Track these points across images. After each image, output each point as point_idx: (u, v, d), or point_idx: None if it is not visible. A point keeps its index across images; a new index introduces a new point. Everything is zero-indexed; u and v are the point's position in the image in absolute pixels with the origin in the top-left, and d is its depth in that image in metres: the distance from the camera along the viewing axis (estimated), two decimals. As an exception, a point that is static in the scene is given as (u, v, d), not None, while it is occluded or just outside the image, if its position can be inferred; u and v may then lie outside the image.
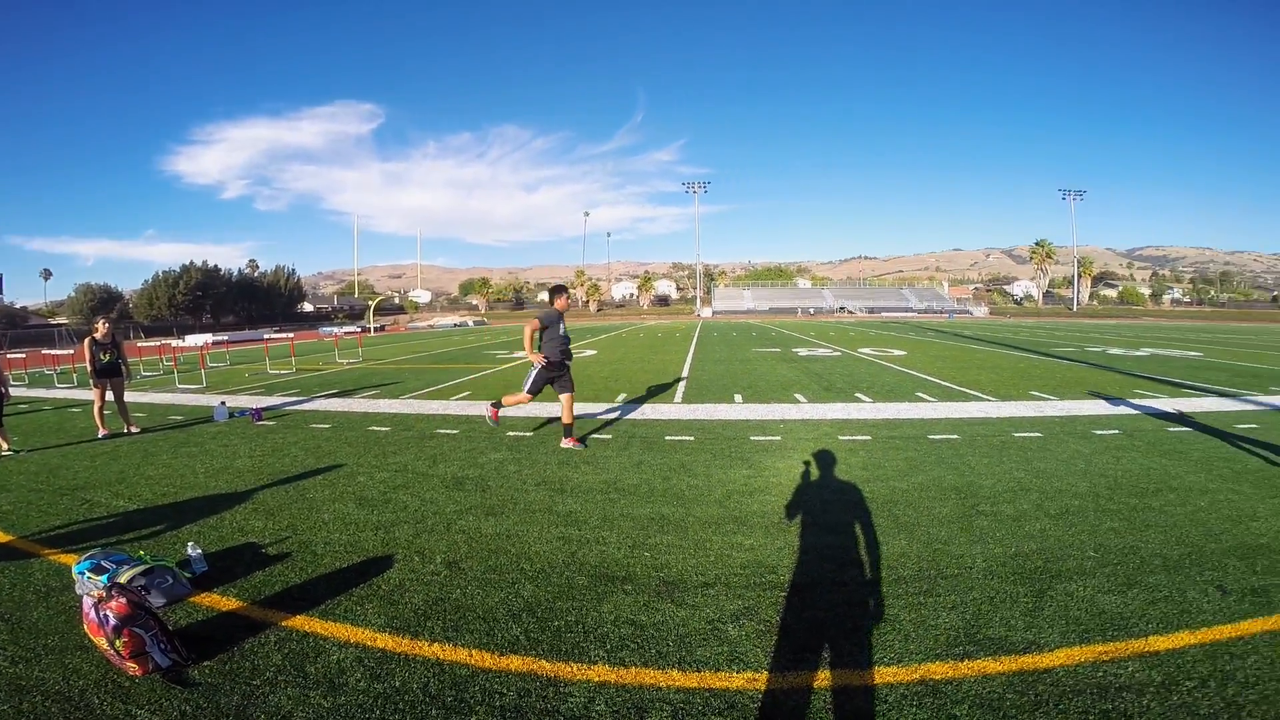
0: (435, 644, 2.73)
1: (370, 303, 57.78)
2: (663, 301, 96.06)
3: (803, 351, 17.96)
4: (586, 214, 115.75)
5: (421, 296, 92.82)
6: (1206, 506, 4.29)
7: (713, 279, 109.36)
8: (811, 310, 74.28)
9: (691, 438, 6.61)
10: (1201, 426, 6.99)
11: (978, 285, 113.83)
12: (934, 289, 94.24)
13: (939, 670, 2.48)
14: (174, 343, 18.12)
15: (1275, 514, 4.11)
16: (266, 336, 17.06)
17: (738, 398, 9.27)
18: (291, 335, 19.04)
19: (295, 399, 10.16)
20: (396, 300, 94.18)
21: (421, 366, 15.64)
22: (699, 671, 2.52)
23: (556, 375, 6.47)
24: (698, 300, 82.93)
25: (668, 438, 6.63)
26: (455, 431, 7.19)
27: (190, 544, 3.67)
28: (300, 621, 2.94)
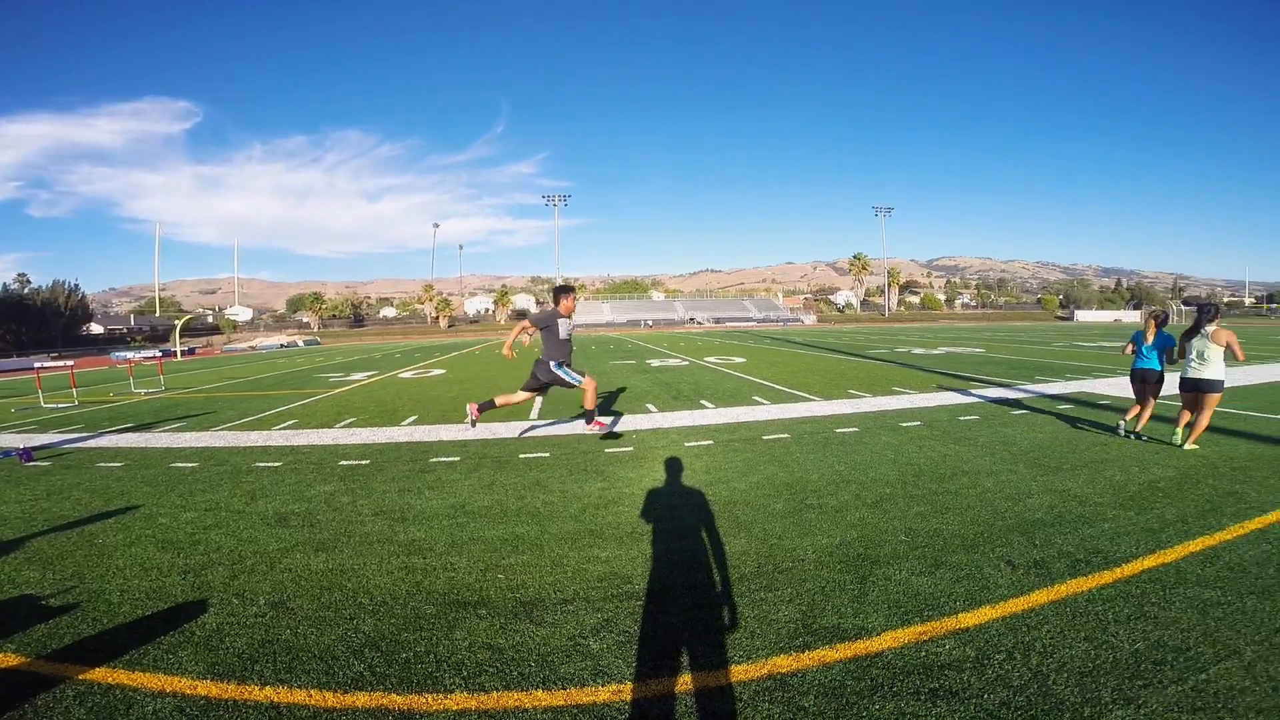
0: (267, 687, 2.51)
1: (176, 322, 50.56)
2: (521, 316, 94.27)
3: (655, 362, 18.53)
4: (436, 225, 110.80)
5: (241, 314, 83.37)
6: (992, 487, 4.96)
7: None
8: (650, 322, 76.52)
9: (547, 454, 6.52)
10: (985, 414, 8.19)
11: (807, 295, 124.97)
12: (770, 300, 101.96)
13: (784, 663, 2.60)
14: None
15: (1045, 490, 4.84)
16: (39, 365, 14.20)
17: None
18: (72, 362, 16.07)
19: (77, 435, 8.61)
20: (210, 319, 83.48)
21: (239, 394, 13.97)
22: (564, 689, 2.48)
23: (543, 373, 6.41)
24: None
25: (521, 456, 6.48)
26: (278, 464, 6.49)
27: None
28: (101, 674, 2.61)
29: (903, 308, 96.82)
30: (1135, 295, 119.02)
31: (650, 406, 9.54)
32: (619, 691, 2.46)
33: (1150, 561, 3.49)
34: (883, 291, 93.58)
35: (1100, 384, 11.22)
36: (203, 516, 4.78)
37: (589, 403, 6.18)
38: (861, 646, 2.71)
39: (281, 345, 53.16)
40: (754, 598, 3.19)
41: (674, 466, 5.84)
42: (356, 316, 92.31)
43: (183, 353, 43.14)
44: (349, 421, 9.09)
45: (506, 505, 4.85)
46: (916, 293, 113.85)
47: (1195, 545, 3.69)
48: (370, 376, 16.98)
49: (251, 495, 5.35)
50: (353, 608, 3.21)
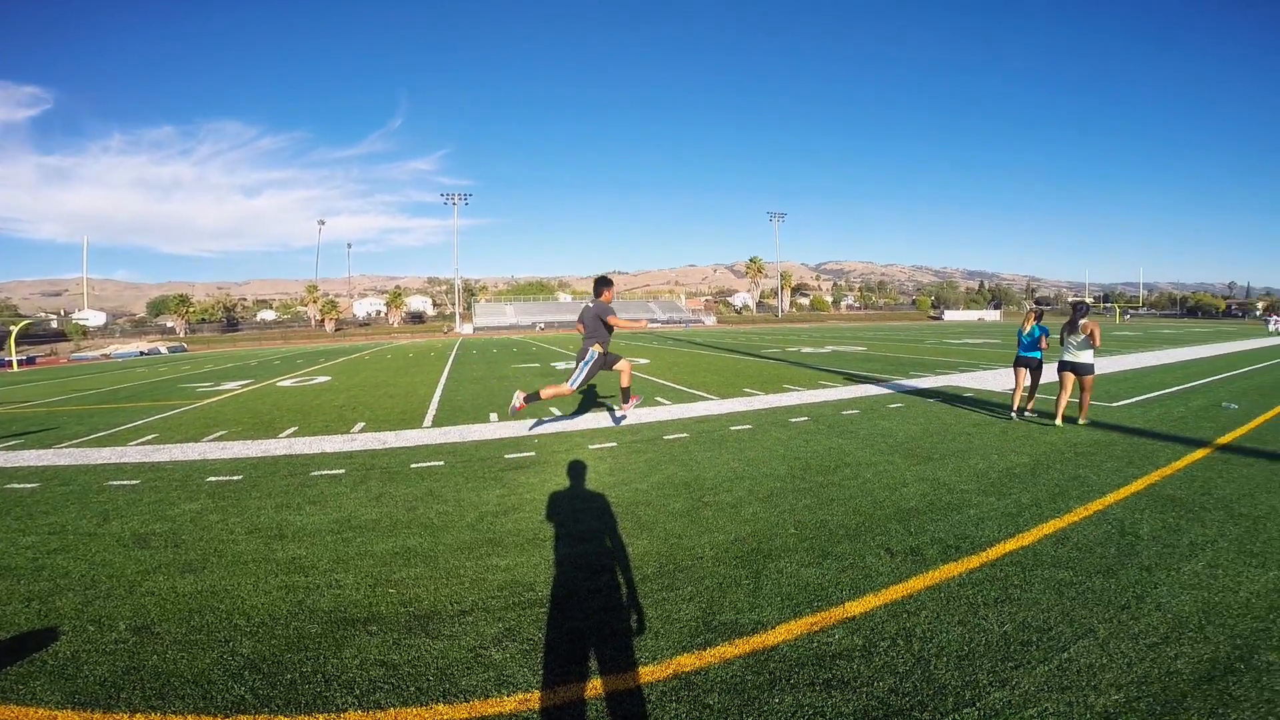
0: (137, 715, 2.38)
1: (12, 328, 44.18)
2: (417, 319, 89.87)
3: (560, 365, 18.37)
4: (322, 222, 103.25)
5: (92, 318, 74.54)
6: (872, 478, 5.31)
7: (473, 294, 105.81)
8: (542, 325, 74.45)
9: (441, 463, 6.28)
10: (865, 408, 8.76)
11: (708, 297, 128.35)
12: (674, 301, 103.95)
13: (688, 662, 2.65)
14: None
15: (919, 480, 5.23)
16: None
17: (493, 416, 9.10)
18: None
19: None
20: (54, 324, 73.71)
21: (88, 407, 12.44)
22: (467, 701, 2.43)
23: (610, 358, 6.75)
24: (457, 317, 79.56)
25: (413, 465, 6.21)
26: (135, 482, 5.85)
27: None
28: (-57, 706, 2.35)
29: (794, 309, 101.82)
30: (996, 296, 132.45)
31: (554, 410, 9.44)
32: (525, 700, 2.43)
33: (1011, 544, 3.82)
34: (776, 294, 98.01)
35: (965, 378, 12.33)
36: (46, 540, 4.30)
37: (547, 394, 6.61)
38: (758, 641, 2.80)
39: (141, 353, 47.86)
40: (656, 598, 3.23)
41: (577, 470, 5.82)
42: (230, 320, 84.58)
43: (20, 362, 37.84)
44: (219, 435, 8.34)
45: (397, 517, 4.64)
46: (806, 295, 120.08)
47: (1048, 528, 4.09)
48: (244, 385, 15.65)
49: (104, 516, 4.82)
50: (227, 630, 3.02)
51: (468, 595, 3.32)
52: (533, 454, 6.54)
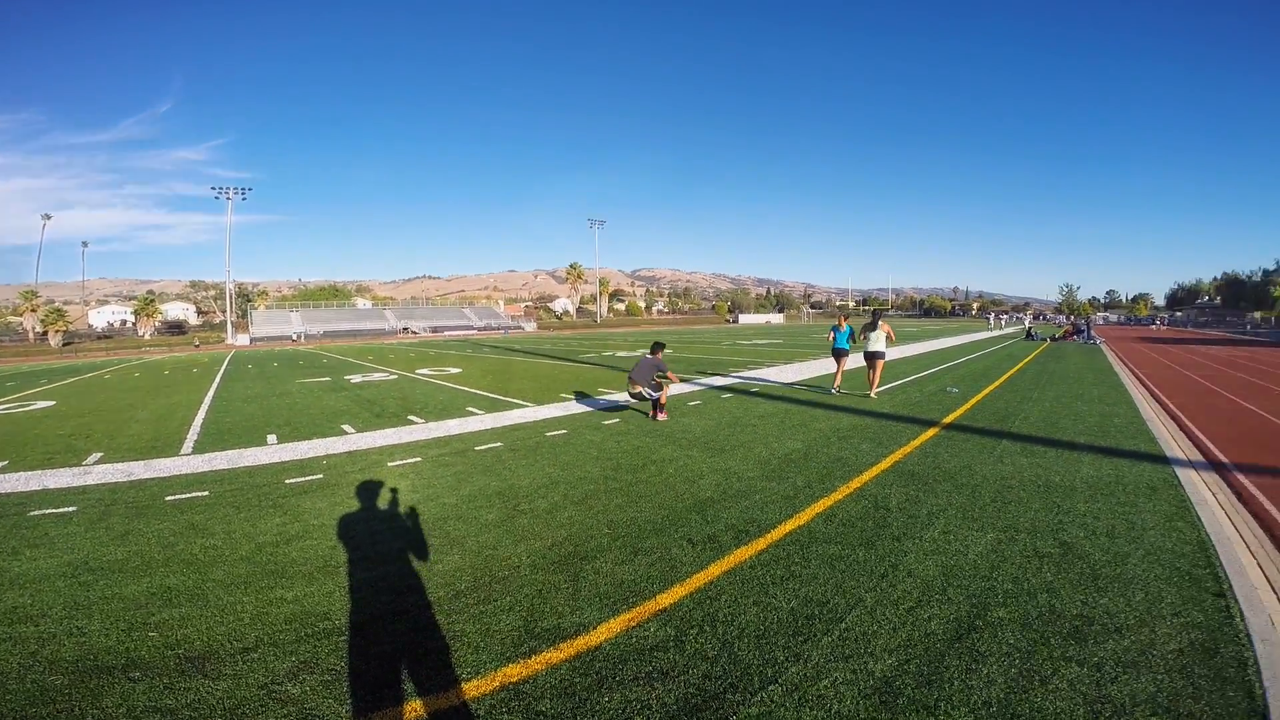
0: None
1: None
2: (176, 329, 76.46)
3: (356, 378, 16.83)
4: (48, 217, 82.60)
5: None
6: (674, 473, 5.63)
7: (250, 300, 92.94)
8: (296, 336, 66.70)
9: (205, 493, 5.43)
10: (671, 407, 9.30)
11: (528, 303, 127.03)
12: (492, 308, 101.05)
13: (514, 672, 2.60)
14: None
15: (714, 471, 5.66)
16: None
17: (271, 438, 8.02)
18: None
19: None
20: None
21: None
22: None
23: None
24: (229, 326, 69.15)
25: (169, 498, 5.29)
26: None
27: None
28: None
29: (612, 314, 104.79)
30: (780, 301, 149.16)
31: (347, 428, 8.62)
32: (338, 731, 2.26)
33: (791, 525, 4.24)
34: (595, 299, 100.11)
35: (754, 374, 13.66)
36: None
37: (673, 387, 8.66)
38: (582, 642, 2.82)
39: None
40: (474, 611, 3.13)
41: (373, 490, 5.40)
42: (-99, 334, 65.18)
43: None
44: (-120, 482, 6.38)
45: (150, 556, 3.96)
46: (623, 300, 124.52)
47: (819, 506, 4.62)
48: (-76, 416, 12.14)
49: None
50: (-57, 690, 2.45)
51: (249, 631, 2.98)
52: (320, 476, 5.92)
